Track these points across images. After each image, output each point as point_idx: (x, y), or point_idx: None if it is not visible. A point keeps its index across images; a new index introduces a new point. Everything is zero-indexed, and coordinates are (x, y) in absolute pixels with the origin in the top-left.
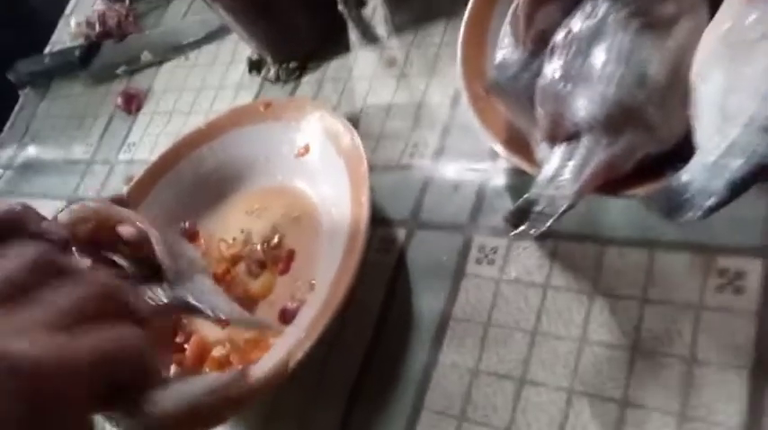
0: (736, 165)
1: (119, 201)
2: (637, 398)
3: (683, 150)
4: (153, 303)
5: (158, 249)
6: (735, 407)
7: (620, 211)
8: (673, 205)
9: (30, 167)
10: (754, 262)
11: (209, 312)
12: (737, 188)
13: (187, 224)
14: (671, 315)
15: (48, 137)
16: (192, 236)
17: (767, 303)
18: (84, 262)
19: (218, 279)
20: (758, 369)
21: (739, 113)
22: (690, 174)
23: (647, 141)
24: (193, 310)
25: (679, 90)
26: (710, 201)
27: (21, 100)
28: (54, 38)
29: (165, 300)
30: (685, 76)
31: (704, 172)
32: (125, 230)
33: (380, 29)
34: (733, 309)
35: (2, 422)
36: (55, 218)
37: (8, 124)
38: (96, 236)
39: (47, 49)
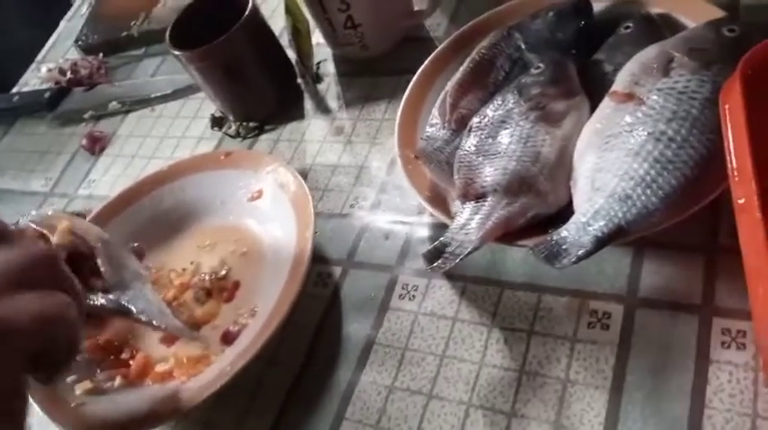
0: (600, 226)
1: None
2: (521, 411)
3: (565, 213)
4: (91, 302)
5: (100, 259)
6: (597, 418)
7: (517, 262)
8: (552, 253)
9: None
10: (618, 305)
11: (142, 316)
12: (600, 243)
13: (136, 244)
14: (551, 345)
15: (7, 168)
16: (139, 254)
17: (625, 338)
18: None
19: (167, 304)
20: (616, 388)
21: (605, 187)
22: (566, 231)
23: (537, 204)
24: (126, 313)
25: (564, 167)
26: (580, 252)
27: None
28: (22, 80)
29: (102, 301)
30: (570, 157)
31: (577, 229)
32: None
33: (332, 102)
34: (599, 342)
35: None
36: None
37: None
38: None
39: (14, 89)
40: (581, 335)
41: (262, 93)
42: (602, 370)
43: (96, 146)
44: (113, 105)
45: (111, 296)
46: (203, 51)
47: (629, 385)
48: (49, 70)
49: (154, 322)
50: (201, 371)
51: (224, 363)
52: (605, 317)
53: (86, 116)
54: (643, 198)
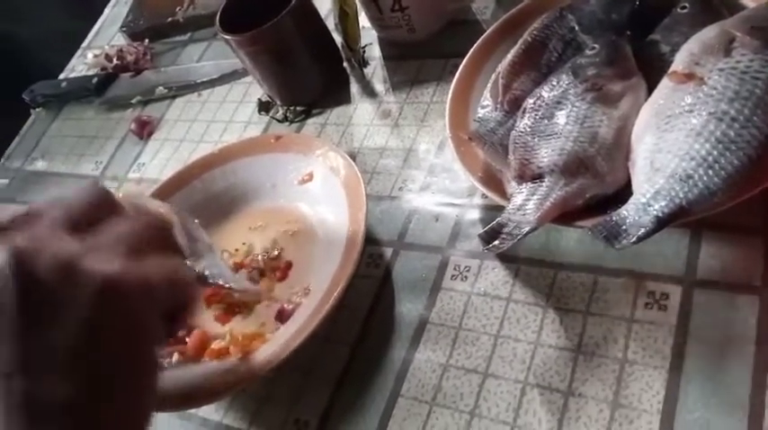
0: (661, 206)
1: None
2: (579, 389)
3: (623, 194)
4: None
5: (177, 231)
6: (655, 397)
7: (571, 243)
8: (612, 233)
9: (37, 178)
10: (676, 286)
11: (220, 280)
12: (661, 223)
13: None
14: (608, 325)
15: (57, 152)
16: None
17: (683, 319)
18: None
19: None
20: (674, 368)
21: (665, 167)
22: (626, 211)
23: (595, 185)
24: (204, 280)
25: (622, 148)
26: (641, 232)
27: (32, 117)
28: (68, 66)
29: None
30: (627, 137)
31: (636, 210)
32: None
33: (379, 86)
34: (657, 322)
35: (92, 330)
36: None
37: (17, 138)
38: None
39: (61, 75)
40: (638, 315)
41: (309, 77)
42: (660, 350)
43: (145, 130)
44: (160, 90)
45: (192, 267)
46: (253, 36)
47: (689, 366)
48: (95, 56)
49: (231, 285)
50: (257, 349)
51: (279, 341)
52: (663, 297)
53: (134, 101)
54: (705, 178)
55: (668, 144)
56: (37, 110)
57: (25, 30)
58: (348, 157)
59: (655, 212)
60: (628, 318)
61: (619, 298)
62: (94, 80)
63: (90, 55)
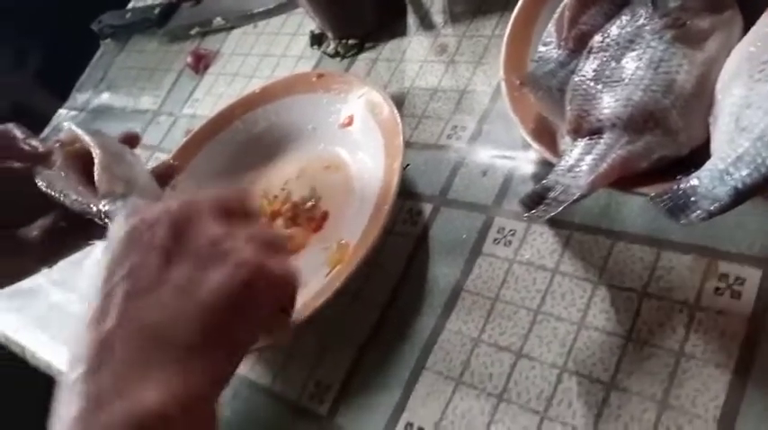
0: (742, 175)
1: (167, 167)
2: (623, 383)
3: (699, 157)
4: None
5: (96, 166)
6: (714, 402)
7: (636, 209)
8: (678, 205)
9: (102, 112)
10: (755, 270)
11: None
12: (740, 197)
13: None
14: (667, 310)
15: (121, 86)
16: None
17: (760, 310)
18: None
19: None
20: (741, 370)
21: (752, 127)
22: (698, 179)
23: (665, 144)
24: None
25: (703, 100)
26: (713, 206)
27: (101, 49)
28: None
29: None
30: (711, 87)
31: (712, 178)
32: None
33: (437, 17)
34: (727, 312)
35: (229, 299)
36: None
37: (87, 70)
38: (80, 154)
39: (130, 5)
40: (705, 301)
41: (361, 7)
42: (726, 346)
43: (200, 64)
44: (218, 21)
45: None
46: None
47: (759, 368)
48: None
49: None
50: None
51: (307, 296)
52: (738, 282)
53: (193, 32)
54: None
55: (761, 98)
56: (106, 41)
57: None
58: (389, 100)
59: (733, 182)
60: (692, 304)
61: (684, 279)
62: (156, 10)
63: None
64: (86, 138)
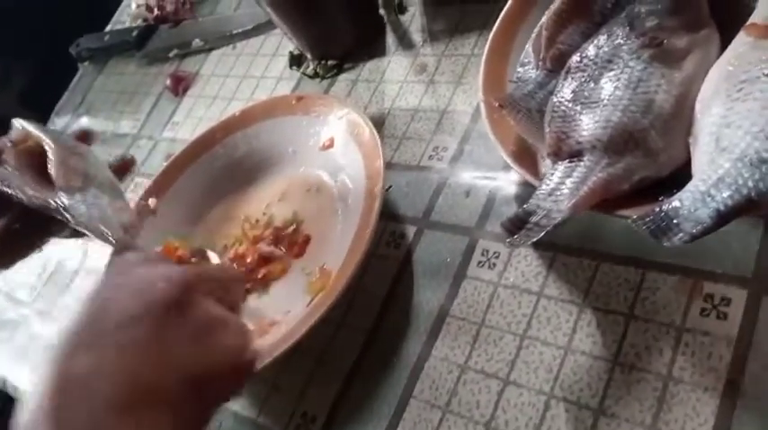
0: (724, 197)
1: (143, 208)
2: (611, 409)
3: (680, 178)
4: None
5: (51, 161)
6: (703, 427)
7: (618, 230)
8: (660, 228)
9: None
10: (740, 291)
11: (92, 222)
12: (722, 219)
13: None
14: (653, 332)
15: (100, 109)
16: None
17: (746, 331)
18: None
19: (241, 257)
20: (729, 392)
21: (732, 147)
22: (679, 201)
23: (646, 166)
24: (70, 220)
25: (683, 120)
26: (696, 229)
27: (80, 72)
28: (115, 17)
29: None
30: (690, 106)
31: (694, 200)
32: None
33: (416, 36)
34: (713, 334)
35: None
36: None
37: (66, 94)
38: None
39: (108, 28)
40: (691, 323)
41: (339, 28)
42: (714, 368)
43: (180, 86)
44: (197, 43)
45: (62, 202)
46: None
47: (747, 390)
48: (138, 6)
49: (103, 230)
50: (267, 332)
51: (291, 325)
52: (723, 303)
53: (171, 55)
54: None
55: (740, 117)
56: (84, 64)
57: None
58: (369, 122)
59: (715, 205)
60: (678, 326)
61: (669, 300)
62: (134, 33)
63: (133, 5)
64: (38, 134)
